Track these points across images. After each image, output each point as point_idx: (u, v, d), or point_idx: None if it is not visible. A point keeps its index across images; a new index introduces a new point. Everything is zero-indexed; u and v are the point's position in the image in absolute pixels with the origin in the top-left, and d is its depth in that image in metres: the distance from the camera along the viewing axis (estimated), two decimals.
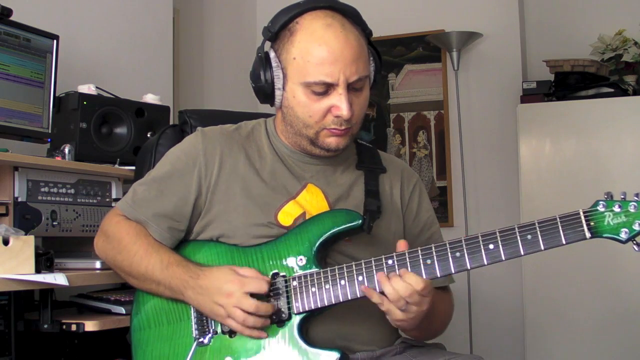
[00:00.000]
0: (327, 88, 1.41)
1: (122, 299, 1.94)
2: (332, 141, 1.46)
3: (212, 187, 1.49)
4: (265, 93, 1.48)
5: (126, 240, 1.48)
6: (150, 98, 2.58)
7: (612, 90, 3.52)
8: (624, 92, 3.51)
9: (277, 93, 1.46)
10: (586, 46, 3.74)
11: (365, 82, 1.46)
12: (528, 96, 3.64)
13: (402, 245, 1.37)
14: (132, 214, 1.51)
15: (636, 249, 1.26)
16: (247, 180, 1.49)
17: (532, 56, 4.06)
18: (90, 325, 1.81)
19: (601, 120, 3.48)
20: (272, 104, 1.51)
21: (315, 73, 1.40)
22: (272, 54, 1.46)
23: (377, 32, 1.53)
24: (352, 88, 1.42)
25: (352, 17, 1.46)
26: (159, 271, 1.44)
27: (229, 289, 1.36)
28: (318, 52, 1.40)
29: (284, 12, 1.45)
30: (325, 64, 1.39)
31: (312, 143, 1.48)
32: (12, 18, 2.06)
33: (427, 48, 4.10)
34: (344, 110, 1.40)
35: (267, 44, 1.49)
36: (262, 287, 1.37)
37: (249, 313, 1.35)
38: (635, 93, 3.51)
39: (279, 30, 1.45)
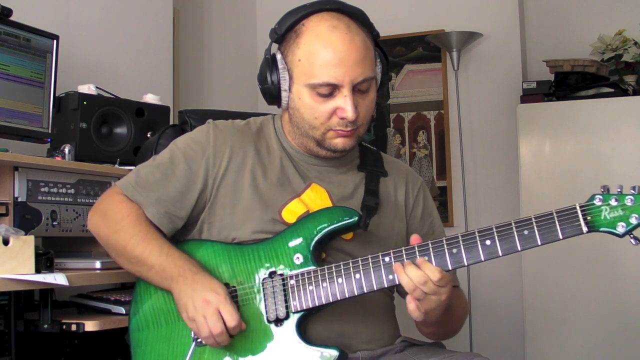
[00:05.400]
0: (332, 90, 1.41)
1: (122, 299, 1.94)
2: (338, 142, 1.46)
3: (219, 179, 1.49)
4: (272, 95, 1.48)
5: (125, 222, 1.47)
6: (150, 98, 2.57)
7: (612, 90, 3.52)
8: (624, 92, 3.51)
9: (284, 95, 1.47)
10: (586, 46, 3.74)
11: (371, 83, 1.45)
12: (528, 96, 3.64)
13: (414, 240, 1.34)
14: (133, 195, 1.50)
15: (633, 242, 1.25)
16: (254, 175, 1.50)
17: (532, 56, 4.06)
18: (90, 325, 1.80)
19: (601, 120, 3.48)
20: (279, 105, 1.51)
21: (320, 75, 1.40)
22: (278, 56, 1.46)
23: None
24: (357, 90, 1.42)
25: (359, 19, 1.46)
26: (156, 256, 1.42)
27: (210, 297, 1.35)
28: (323, 54, 1.40)
29: (291, 14, 1.46)
30: (330, 65, 1.40)
31: (319, 144, 1.48)
32: (12, 18, 2.05)
33: (427, 48, 4.10)
34: (348, 112, 1.41)
35: (274, 46, 1.49)
36: (233, 321, 1.33)
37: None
38: (635, 93, 3.51)
39: (285, 32, 1.45)
